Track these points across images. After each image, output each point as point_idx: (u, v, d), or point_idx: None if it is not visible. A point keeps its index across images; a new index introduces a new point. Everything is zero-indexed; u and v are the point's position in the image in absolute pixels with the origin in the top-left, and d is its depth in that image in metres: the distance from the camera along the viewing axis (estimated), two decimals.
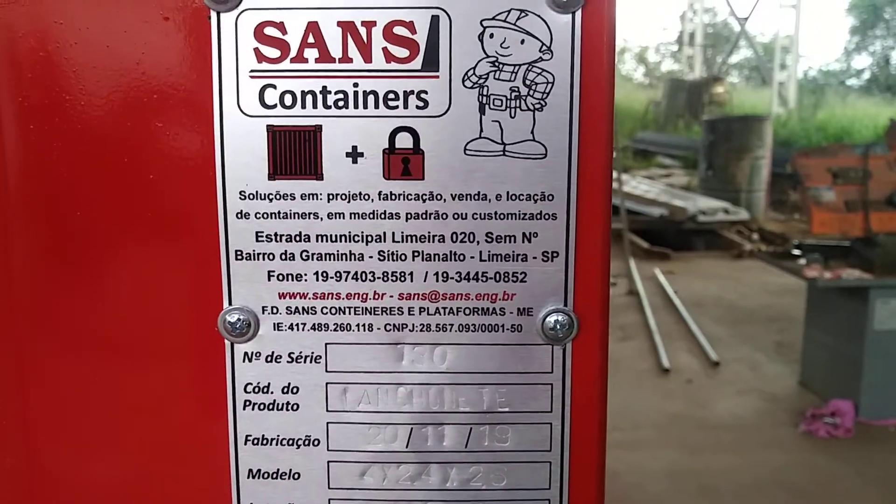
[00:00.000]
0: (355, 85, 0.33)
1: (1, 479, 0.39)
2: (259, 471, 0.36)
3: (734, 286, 6.64)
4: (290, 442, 0.36)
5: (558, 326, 0.37)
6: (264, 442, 0.37)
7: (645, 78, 27.35)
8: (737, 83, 23.90)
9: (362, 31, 0.32)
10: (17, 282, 0.35)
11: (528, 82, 0.33)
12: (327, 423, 0.36)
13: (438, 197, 0.34)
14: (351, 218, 0.34)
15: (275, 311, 0.35)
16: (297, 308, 0.35)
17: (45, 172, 0.33)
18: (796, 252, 4.35)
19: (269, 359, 0.36)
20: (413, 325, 0.35)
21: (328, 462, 0.36)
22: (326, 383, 0.36)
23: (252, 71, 0.33)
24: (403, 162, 0.34)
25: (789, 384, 4.64)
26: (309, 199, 0.34)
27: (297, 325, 0.36)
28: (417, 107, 0.34)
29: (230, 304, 0.36)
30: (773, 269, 4.62)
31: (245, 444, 0.37)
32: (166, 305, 0.36)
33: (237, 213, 0.35)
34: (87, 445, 0.37)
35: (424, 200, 0.34)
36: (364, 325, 0.35)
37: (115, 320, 0.36)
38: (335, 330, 0.35)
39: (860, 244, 4.17)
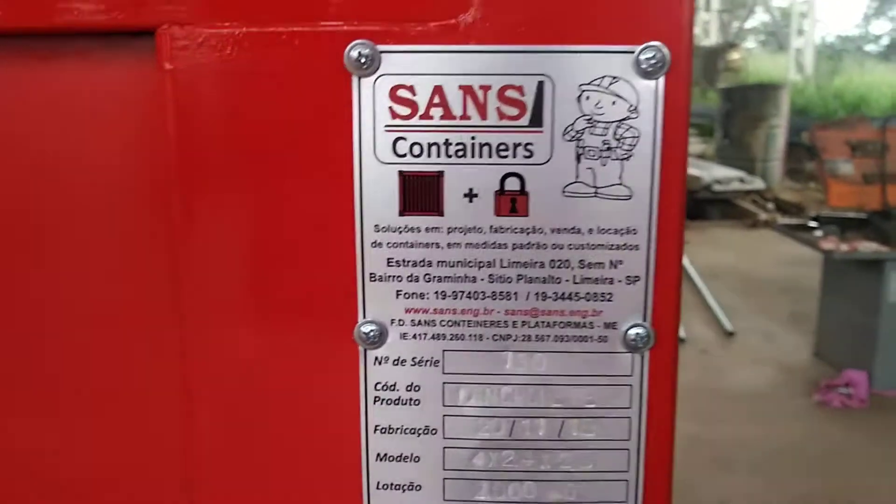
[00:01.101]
0: (472, 138, 0.40)
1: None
2: (385, 454, 0.44)
3: (749, 256, 6.67)
4: (412, 431, 0.43)
5: (638, 338, 0.44)
6: (390, 431, 0.44)
7: None
8: (753, 48, 23.63)
9: (479, 93, 0.39)
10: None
11: (617, 136, 0.40)
12: (443, 415, 0.43)
13: (539, 230, 0.41)
14: (466, 247, 0.41)
15: (401, 323, 0.42)
16: (419, 321, 0.42)
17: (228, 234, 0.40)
18: (813, 224, 4.39)
19: (395, 362, 0.43)
20: (516, 336, 0.42)
21: (444, 448, 0.43)
22: (443, 383, 0.43)
23: (387, 126, 0.40)
24: (511, 201, 0.40)
25: (804, 355, 4.70)
26: (432, 231, 0.41)
27: (420, 334, 0.43)
28: (524, 156, 0.40)
29: (364, 317, 0.43)
30: (788, 239, 4.66)
31: (374, 432, 0.44)
32: (315, 320, 0.43)
33: (372, 243, 0.42)
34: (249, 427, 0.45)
35: (528, 233, 0.41)
36: (475, 335, 0.42)
37: (282, 332, 0.43)
38: (451, 339, 0.43)
39: (877, 217, 4.21)
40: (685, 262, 6.42)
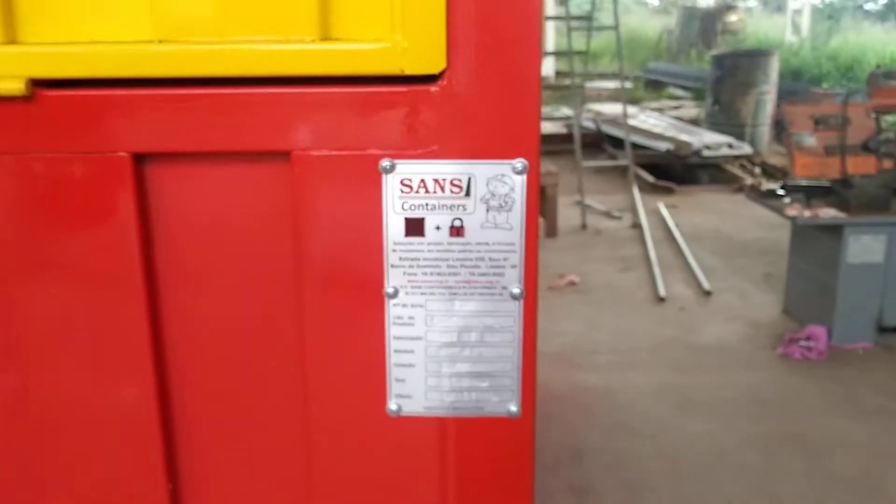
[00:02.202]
0: (437, 201, 0.83)
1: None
2: (399, 349, 0.88)
3: (732, 220, 7.07)
4: (410, 338, 0.87)
5: (518, 294, 0.87)
6: (400, 339, 0.88)
7: (661, 3, 27.05)
8: (754, 7, 23.62)
9: (442, 182, 0.81)
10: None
11: (504, 201, 0.82)
12: (425, 330, 0.88)
13: (470, 244, 0.84)
14: (436, 251, 0.85)
15: (405, 287, 0.86)
16: (414, 284, 0.85)
17: None
18: (781, 192, 4.81)
19: (402, 306, 0.87)
20: (460, 292, 0.86)
21: (425, 346, 0.86)
22: (425, 315, 0.86)
23: (399, 197, 0.82)
24: (457, 230, 0.83)
25: (773, 312, 5.14)
26: (418, 245, 0.84)
27: (414, 291, 0.86)
28: (463, 209, 0.83)
29: (388, 284, 0.87)
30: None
31: (393, 340, 0.89)
32: (364, 288, 0.86)
33: (392, 250, 0.84)
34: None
35: (465, 245, 0.84)
36: (440, 291, 0.86)
37: (348, 297, 0.87)
38: (429, 294, 0.86)
39: (839, 185, 4.62)
40: (671, 225, 6.82)
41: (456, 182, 0.81)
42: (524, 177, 0.80)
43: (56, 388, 0.89)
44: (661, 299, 5.34)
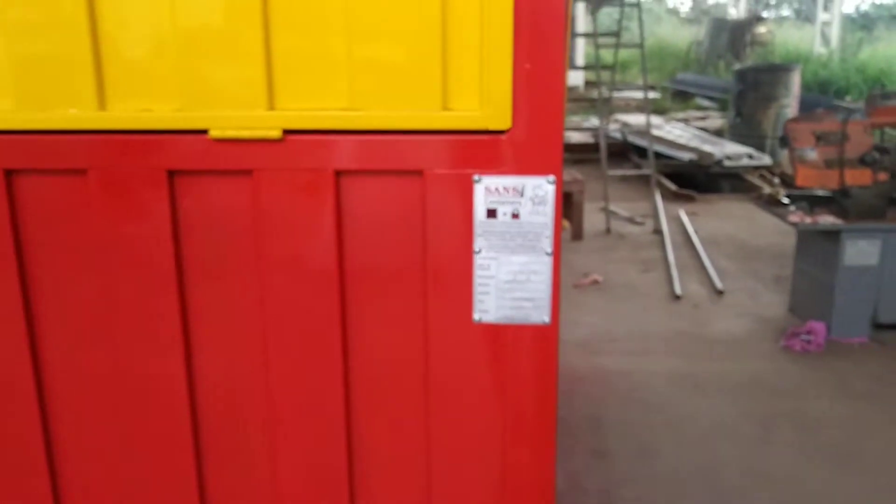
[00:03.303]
0: (506, 201, 1.47)
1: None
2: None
3: (749, 226, 7.65)
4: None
5: (550, 252, 1.53)
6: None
7: (692, 12, 27.53)
8: (787, 16, 23.99)
9: (510, 190, 1.45)
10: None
11: (540, 199, 1.47)
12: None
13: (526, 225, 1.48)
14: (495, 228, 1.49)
15: (481, 250, 1.50)
16: (493, 249, 1.50)
17: None
18: (786, 201, 5.41)
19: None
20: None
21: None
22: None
23: (485, 196, 1.45)
24: (513, 215, 1.47)
25: (780, 310, 5.74)
26: (490, 222, 1.48)
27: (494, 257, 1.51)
28: (518, 206, 1.48)
29: (476, 250, 1.51)
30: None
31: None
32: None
33: (477, 227, 1.49)
34: None
35: (518, 227, 1.47)
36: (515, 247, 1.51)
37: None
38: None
39: (839, 195, 5.22)
40: (690, 231, 7.41)
41: (516, 188, 1.45)
42: (553, 185, 1.43)
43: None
44: (677, 297, 5.95)
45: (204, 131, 1.45)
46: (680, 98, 15.01)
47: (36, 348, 1.67)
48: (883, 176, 5.07)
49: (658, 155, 9.58)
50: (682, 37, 20.53)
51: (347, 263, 1.49)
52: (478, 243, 1.46)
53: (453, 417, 1.53)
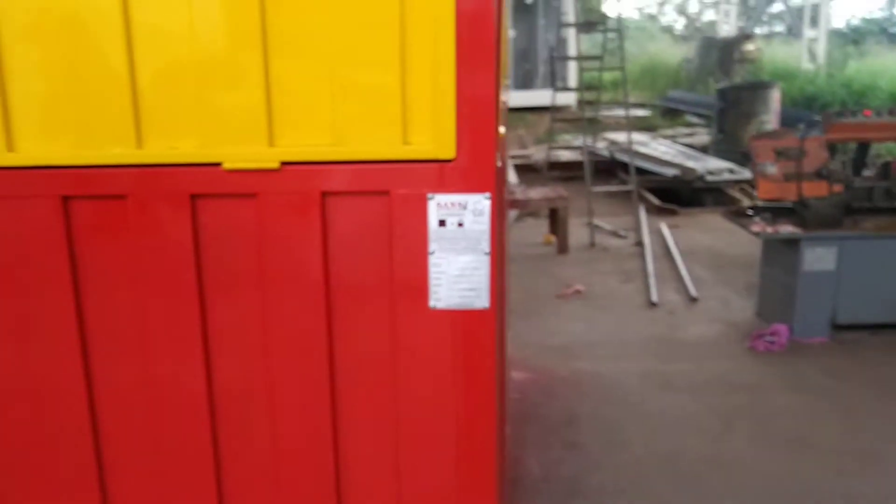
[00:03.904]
0: (449, 214, 1.91)
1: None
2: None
3: (726, 237, 8.05)
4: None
5: (488, 252, 1.96)
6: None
7: (685, 30, 28.08)
8: (778, 33, 24.48)
9: (456, 206, 1.88)
10: None
11: (479, 212, 1.91)
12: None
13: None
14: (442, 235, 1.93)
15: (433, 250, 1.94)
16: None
17: None
18: (750, 212, 5.86)
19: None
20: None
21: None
22: None
23: (437, 210, 1.88)
24: (455, 224, 1.91)
25: (748, 315, 6.16)
26: (439, 231, 1.91)
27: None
28: (459, 218, 1.91)
29: (430, 251, 1.95)
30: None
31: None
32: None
33: (431, 236, 1.93)
34: None
35: (460, 233, 1.91)
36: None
37: None
38: None
39: (799, 206, 5.66)
40: (670, 243, 7.84)
41: (460, 203, 1.89)
42: (489, 201, 1.87)
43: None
44: (654, 305, 6.39)
45: (218, 164, 1.89)
46: (670, 115, 15.47)
47: (88, 357, 2.08)
48: (838, 187, 5.52)
49: (643, 171, 10.06)
50: (675, 55, 21.01)
51: (331, 264, 1.93)
52: (432, 246, 1.90)
53: (416, 382, 1.97)
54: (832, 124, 5.70)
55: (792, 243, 5.57)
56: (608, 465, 4.16)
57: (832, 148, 5.71)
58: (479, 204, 1.87)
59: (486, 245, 1.89)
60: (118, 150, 1.92)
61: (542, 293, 6.77)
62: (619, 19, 8.85)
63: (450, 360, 1.95)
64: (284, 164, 1.88)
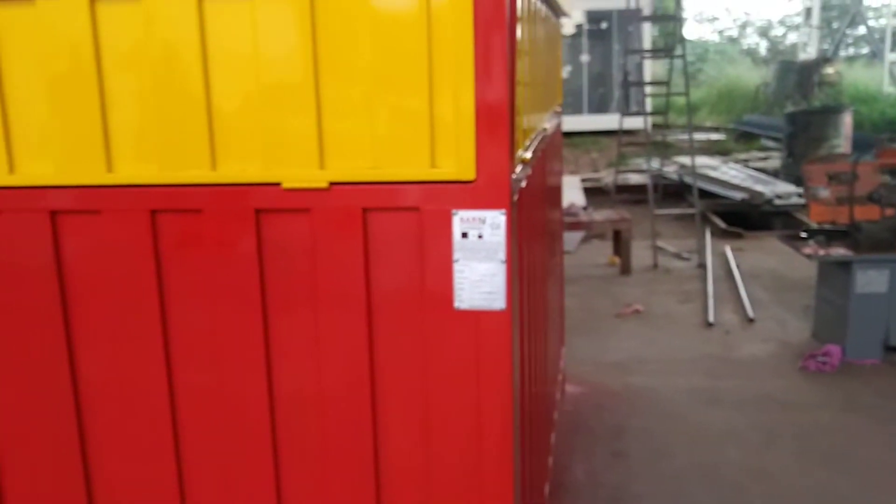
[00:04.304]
0: (471, 229, 2.22)
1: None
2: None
3: (790, 261, 8.11)
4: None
5: (503, 260, 2.27)
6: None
7: (768, 53, 27.76)
8: (862, 55, 23.99)
9: (477, 221, 2.21)
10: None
11: (496, 226, 2.22)
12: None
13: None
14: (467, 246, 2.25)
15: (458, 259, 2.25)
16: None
17: None
18: (804, 235, 5.99)
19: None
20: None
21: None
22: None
23: (459, 223, 2.19)
24: (477, 237, 2.22)
25: (804, 336, 6.27)
26: (465, 241, 2.23)
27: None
28: (477, 233, 2.23)
29: (455, 258, 2.27)
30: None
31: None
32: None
33: (455, 246, 2.24)
34: None
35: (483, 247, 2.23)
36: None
37: None
38: None
39: (852, 229, 5.78)
40: (732, 265, 7.95)
41: (479, 218, 2.20)
42: (504, 216, 2.18)
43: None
44: (710, 324, 6.54)
45: (278, 183, 2.25)
46: (745, 139, 15.44)
47: (170, 364, 2.46)
48: (890, 211, 5.62)
49: (711, 194, 10.17)
50: (755, 78, 20.87)
51: (371, 271, 2.26)
52: (455, 255, 2.21)
53: (442, 376, 2.28)
54: (884, 149, 5.81)
55: (845, 266, 5.69)
56: (651, 475, 4.38)
57: (893, 172, 5.80)
58: (496, 219, 2.18)
59: (502, 255, 2.19)
60: (196, 172, 2.29)
61: (601, 312, 6.99)
62: (685, 46, 9.00)
63: (471, 355, 2.25)
64: (332, 183, 2.23)
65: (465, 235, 2.20)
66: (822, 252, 5.67)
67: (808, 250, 5.71)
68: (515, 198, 2.31)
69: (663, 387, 5.46)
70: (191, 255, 2.36)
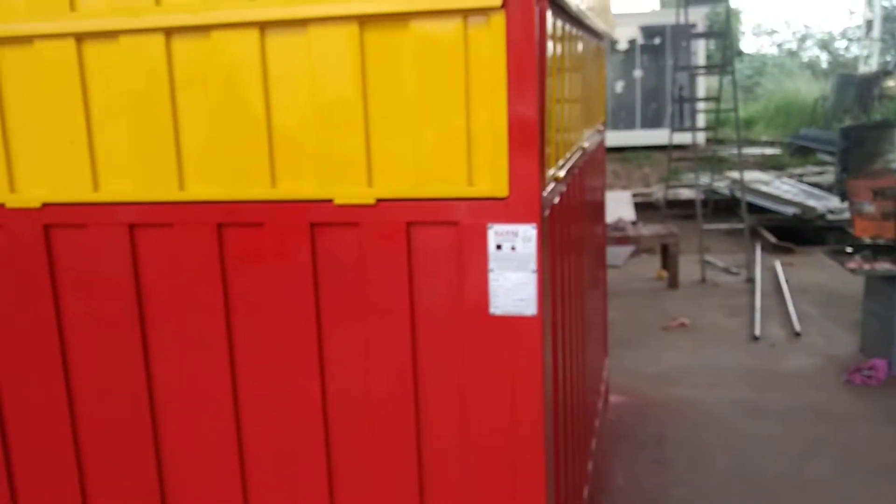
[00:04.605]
0: (504, 241, 2.44)
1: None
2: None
3: (841, 276, 8.04)
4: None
5: (534, 269, 2.48)
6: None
7: (829, 66, 27.40)
8: None
9: (511, 234, 2.42)
10: None
11: (528, 238, 2.43)
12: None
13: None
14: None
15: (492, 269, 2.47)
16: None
17: None
18: (849, 250, 6.06)
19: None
20: None
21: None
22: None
23: (494, 235, 2.41)
24: (509, 249, 2.44)
25: (851, 350, 6.32)
26: (500, 251, 2.45)
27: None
28: (510, 246, 2.44)
29: (491, 267, 2.49)
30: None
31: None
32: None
33: (492, 252, 2.47)
34: None
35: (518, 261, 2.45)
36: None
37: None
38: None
39: None
40: (781, 280, 8.00)
41: (512, 232, 2.42)
42: (535, 230, 2.39)
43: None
44: (756, 338, 6.63)
45: (331, 200, 2.50)
46: (802, 154, 15.33)
47: (234, 368, 2.73)
48: None
49: (763, 209, 10.20)
50: (814, 92, 20.67)
51: (414, 279, 2.50)
52: (491, 265, 2.43)
53: (479, 375, 2.49)
54: None
55: (891, 280, 5.74)
56: (689, 481, 4.52)
57: None
58: (528, 232, 2.39)
59: (533, 265, 2.40)
60: (258, 189, 2.56)
61: (648, 325, 7.12)
62: (734, 62, 9.10)
63: (505, 357, 2.46)
64: (379, 200, 2.47)
65: (499, 247, 2.42)
66: (866, 266, 5.73)
67: (852, 265, 5.79)
68: (546, 213, 2.52)
69: (705, 398, 5.58)
70: (253, 265, 2.62)
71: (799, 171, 13.49)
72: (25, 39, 2.57)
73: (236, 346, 2.70)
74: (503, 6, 2.25)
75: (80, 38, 2.53)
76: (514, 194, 2.38)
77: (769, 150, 15.48)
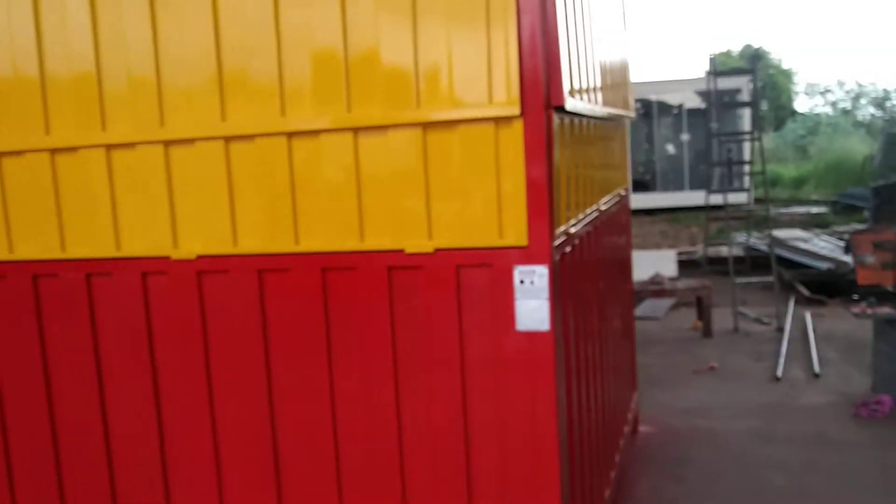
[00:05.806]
0: (525, 277, 3.49)
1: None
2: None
3: (866, 325, 8.90)
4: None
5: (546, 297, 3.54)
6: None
7: (885, 124, 27.97)
8: None
9: (528, 270, 3.48)
10: None
11: (543, 276, 3.50)
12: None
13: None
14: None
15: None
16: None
17: None
18: (855, 297, 6.96)
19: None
20: None
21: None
22: None
23: (518, 274, 3.47)
24: (530, 283, 3.50)
25: (865, 389, 7.14)
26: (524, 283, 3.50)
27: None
28: (530, 282, 3.50)
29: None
30: None
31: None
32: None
33: (519, 281, 3.53)
34: None
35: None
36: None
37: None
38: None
39: None
40: (809, 329, 8.84)
41: (531, 271, 3.47)
42: (547, 270, 3.44)
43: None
44: (777, 379, 7.50)
45: (401, 250, 3.61)
46: (848, 212, 16.07)
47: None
48: None
49: (799, 264, 11.08)
50: (866, 150, 21.34)
51: (462, 306, 3.57)
52: (516, 295, 3.49)
53: (509, 379, 3.54)
54: None
55: (893, 323, 6.61)
56: (704, 493, 5.43)
57: None
58: (542, 271, 3.45)
59: (545, 294, 3.46)
60: (352, 242, 3.67)
61: (680, 368, 8.04)
62: (761, 129, 10.10)
63: (526, 360, 3.51)
64: (437, 249, 3.57)
65: (522, 282, 3.49)
66: (868, 311, 6.62)
67: (856, 309, 6.68)
68: (557, 258, 3.59)
69: (724, 427, 6.48)
70: (347, 299, 3.73)
71: (842, 228, 14.25)
72: (188, 141, 3.78)
73: (335, 371, 3.77)
74: (521, 115, 3.36)
75: (227, 140, 3.72)
76: (532, 244, 3.45)
77: (815, 209, 16.28)
